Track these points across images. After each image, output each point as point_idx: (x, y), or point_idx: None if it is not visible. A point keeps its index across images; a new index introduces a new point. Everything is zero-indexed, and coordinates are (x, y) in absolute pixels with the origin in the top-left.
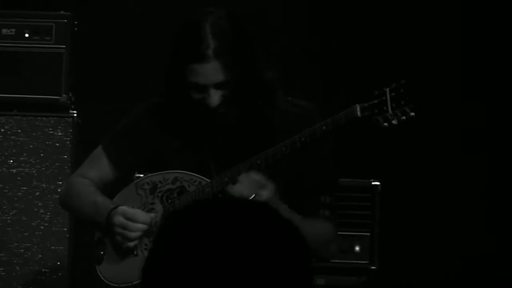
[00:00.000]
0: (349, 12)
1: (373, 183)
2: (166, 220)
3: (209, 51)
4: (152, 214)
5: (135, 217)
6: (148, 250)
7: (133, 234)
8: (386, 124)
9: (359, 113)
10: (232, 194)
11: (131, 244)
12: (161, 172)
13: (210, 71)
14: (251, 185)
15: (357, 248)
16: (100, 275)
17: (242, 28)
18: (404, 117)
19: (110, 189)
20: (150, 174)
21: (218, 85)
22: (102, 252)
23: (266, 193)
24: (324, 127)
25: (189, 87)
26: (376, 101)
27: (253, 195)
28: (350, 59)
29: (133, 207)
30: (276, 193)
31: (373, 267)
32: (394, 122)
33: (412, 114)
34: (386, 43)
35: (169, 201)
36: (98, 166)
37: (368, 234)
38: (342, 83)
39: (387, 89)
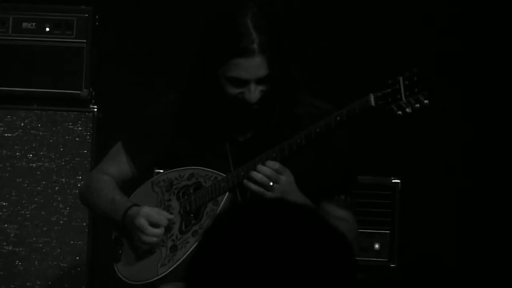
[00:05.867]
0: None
1: (393, 180)
2: (214, 223)
3: (254, 45)
4: (171, 216)
5: (159, 222)
6: (195, 250)
7: (154, 240)
8: (400, 112)
9: (373, 102)
10: (252, 182)
11: (147, 247)
12: (177, 169)
13: (255, 66)
14: (268, 173)
15: (376, 246)
16: (118, 274)
17: (277, 23)
18: (418, 105)
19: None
20: (166, 171)
21: (260, 80)
22: (120, 251)
23: (284, 179)
24: (338, 117)
25: (228, 81)
26: (389, 90)
27: (271, 183)
28: (359, 48)
29: (149, 205)
30: (293, 181)
31: (392, 265)
32: (408, 110)
33: (426, 102)
34: (395, 31)
35: (185, 197)
36: (117, 162)
37: (388, 232)
38: (354, 75)
39: (400, 78)
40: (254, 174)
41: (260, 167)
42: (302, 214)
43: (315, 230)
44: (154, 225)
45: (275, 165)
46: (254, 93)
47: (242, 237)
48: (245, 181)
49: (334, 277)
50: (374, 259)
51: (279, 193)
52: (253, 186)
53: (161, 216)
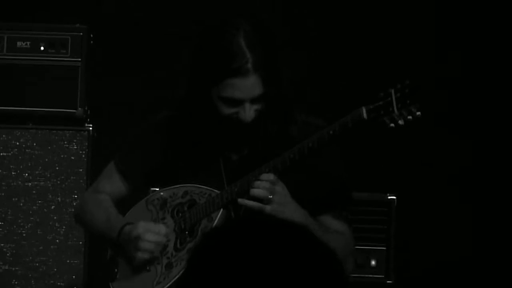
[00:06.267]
0: (348, 14)
1: (389, 197)
2: (201, 242)
3: (248, 65)
4: (167, 230)
5: (156, 230)
6: (184, 269)
7: (152, 247)
8: (392, 125)
9: (365, 115)
10: (251, 199)
11: (145, 256)
12: (171, 187)
13: (249, 85)
14: (265, 186)
15: (373, 262)
16: None
17: (272, 38)
18: (410, 117)
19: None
20: (160, 189)
21: (255, 100)
22: (115, 270)
23: (280, 190)
24: (331, 131)
25: (222, 101)
26: (381, 103)
27: (269, 195)
28: (350, 62)
29: None
30: (288, 193)
31: (389, 281)
32: (400, 122)
33: (418, 113)
34: (384, 43)
35: (180, 214)
36: (111, 180)
37: (384, 248)
38: (344, 86)
39: (392, 90)
40: (252, 191)
41: (257, 183)
42: (291, 231)
43: (304, 248)
44: (152, 233)
45: (270, 176)
46: (249, 112)
47: (229, 256)
48: (239, 200)
49: None
50: (371, 275)
51: (277, 205)
52: (250, 203)
53: (158, 225)
